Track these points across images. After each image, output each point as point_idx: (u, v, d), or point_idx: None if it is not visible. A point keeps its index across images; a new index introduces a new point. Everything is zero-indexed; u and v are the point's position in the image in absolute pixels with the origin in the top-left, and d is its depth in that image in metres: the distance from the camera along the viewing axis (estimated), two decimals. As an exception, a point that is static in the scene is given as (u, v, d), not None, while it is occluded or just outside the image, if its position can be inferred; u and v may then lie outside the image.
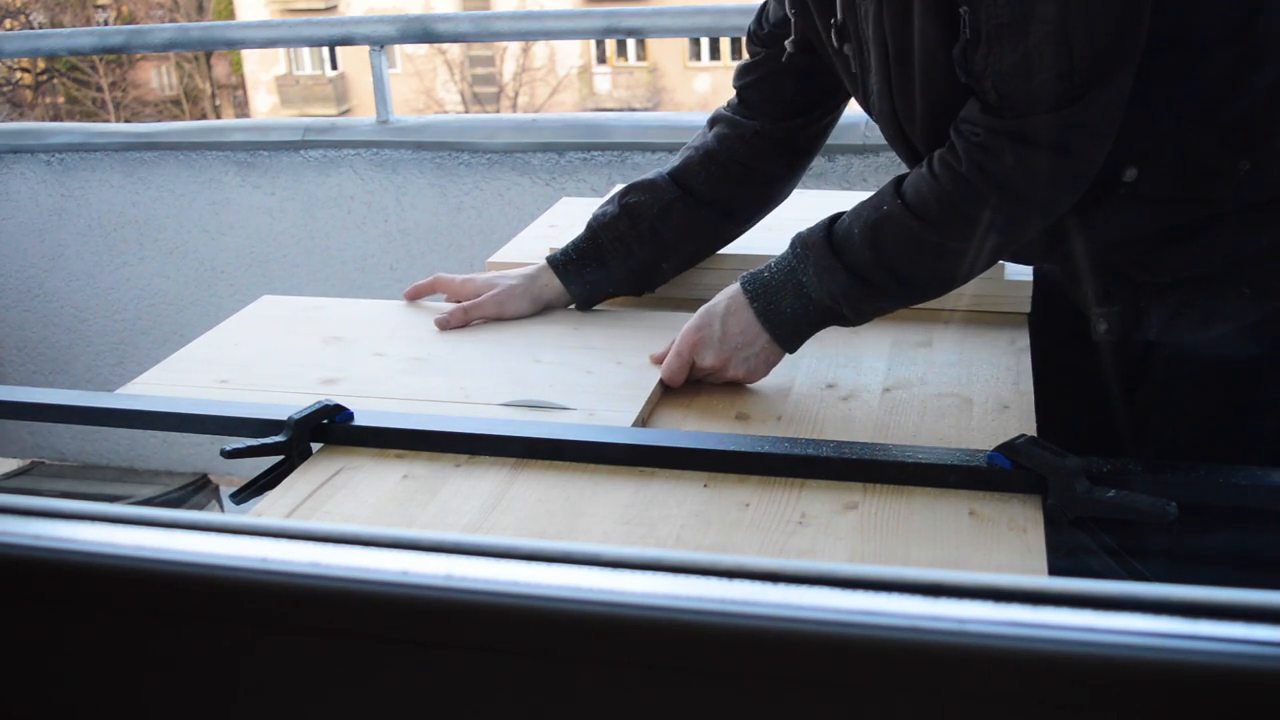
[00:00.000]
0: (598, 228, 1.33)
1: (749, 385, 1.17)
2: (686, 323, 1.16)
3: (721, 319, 1.14)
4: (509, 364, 1.23)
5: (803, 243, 1.11)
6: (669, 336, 1.19)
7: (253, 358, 1.29)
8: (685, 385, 1.17)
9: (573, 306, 1.37)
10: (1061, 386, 1.22)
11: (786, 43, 1.22)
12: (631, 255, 1.32)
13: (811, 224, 1.13)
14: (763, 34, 1.27)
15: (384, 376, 1.21)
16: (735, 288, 1.15)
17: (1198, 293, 1.08)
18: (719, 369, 1.15)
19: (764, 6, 1.27)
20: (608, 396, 1.14)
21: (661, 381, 1.17)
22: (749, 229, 1.38)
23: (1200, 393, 1.13)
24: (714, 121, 1.34)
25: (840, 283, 1.08)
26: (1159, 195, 1.05)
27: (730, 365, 1.15)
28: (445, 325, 1.32)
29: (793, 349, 1.15)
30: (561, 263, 1.34)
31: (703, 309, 1.16)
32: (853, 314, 1.11)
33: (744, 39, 1.35)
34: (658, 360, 1.18)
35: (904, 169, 1.13)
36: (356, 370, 1.23)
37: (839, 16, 1.13)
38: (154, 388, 1.22)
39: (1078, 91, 0.96)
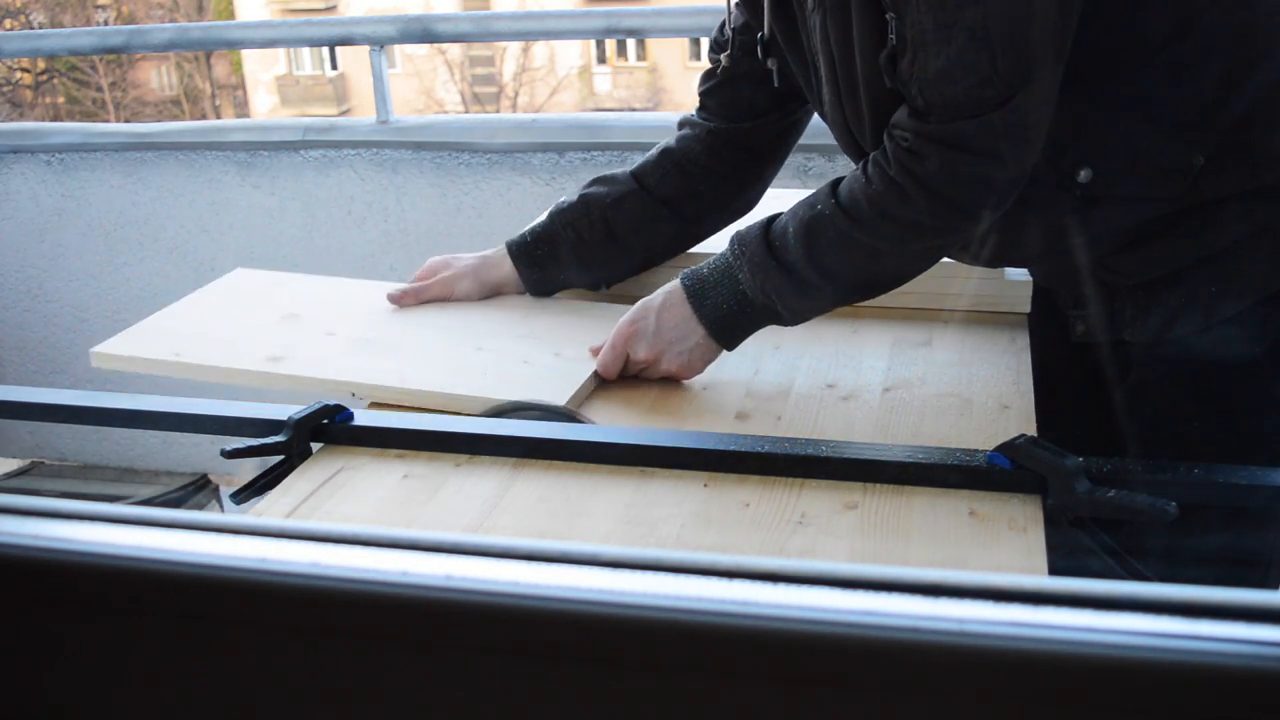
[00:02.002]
0: (555, 214, 1.34)
1: (684, 380, 1.18)
2: (623, 316, 1.17)
3: (657, 312, 1.14)
4: (451, 350, 1.23)
5: (740, 240, 1.12)
6: (606, 326, 1.20)
7: (209, 330, 1.30)
8: (688, 382, 1.18)
9: (527, 294, 1.37)
10: (1056, 387, 1.23)
11: (723, 56, 1.25)
12: (583, 244, 1.32)
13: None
14: (721, 40, 1.28)
15: (328, 357, 1.23)
16: (674, 283, 1.16)
17: (1165, 293, 1.08)
18: (652, 362, 1.16)
19: (725, 16, 1.28)
20: (536, 388, 1.14)
21: (596, 374, 1.17)
22: (710, 234, 1.37)
23: (1173, 393, 1.13)
24: (680, 125, 1.35)
25: (774, 281, 1.09)
26: (1115, 195, 1.05)
27: (664, 359, 1.15)
28: (396, 301, 1.34)
29: (730, 346, 1.16)
30: (517, 247, 1.35)
31: (640, 303, 1.17)
32: (787, 312, 1.12)
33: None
34: (596, 353, 1.19)
35: None
36: (303, 349, 1.24)
37: (765, 32, 1.15)
38: (114, 358, 1.26)
39: (1002, 96, 0.96)
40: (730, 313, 1.13)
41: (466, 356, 1.22)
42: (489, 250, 1.38)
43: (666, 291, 1.16)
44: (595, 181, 1.35)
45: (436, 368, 1.19)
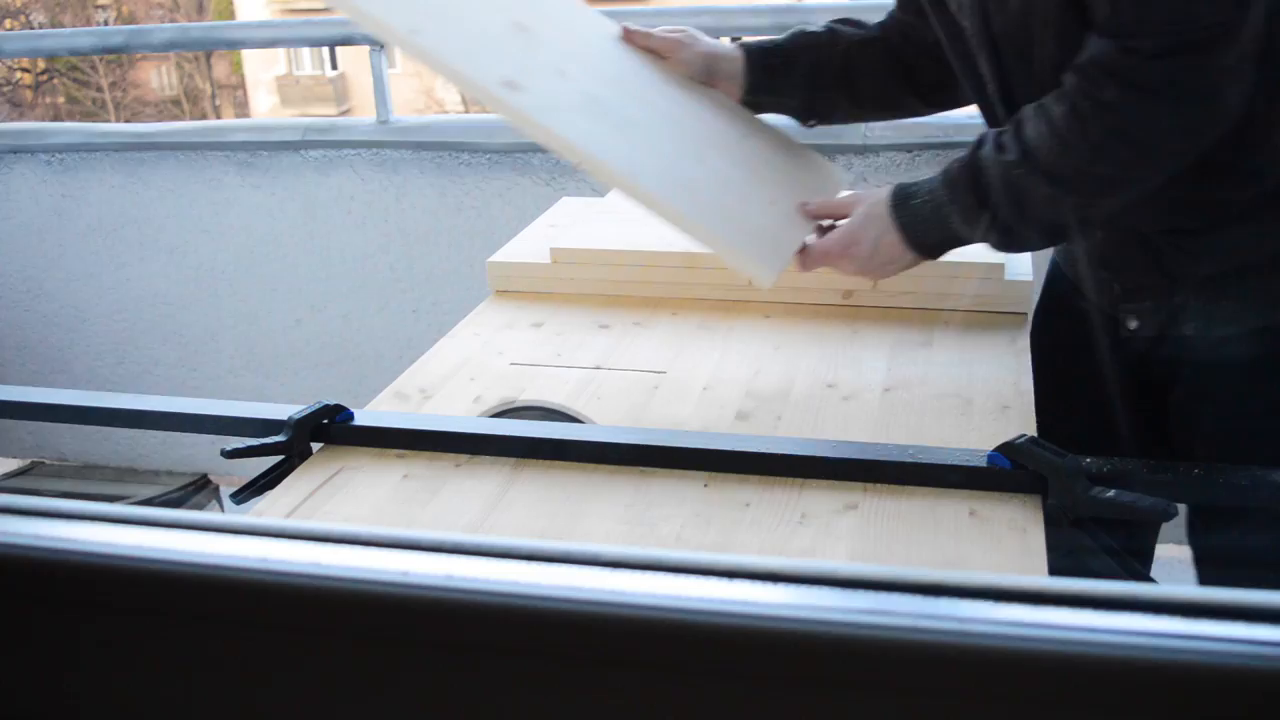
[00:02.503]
0: (797, 35, 1.30)
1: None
2: (838, 232, 1.15)
3: (873, 242, 1.13)
4: (675, 151, 1.16)
5: (949, 184, 1.09)
6: (825, 187, 1.21)
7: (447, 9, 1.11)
8: (687, 379, 1.18)
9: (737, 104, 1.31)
10: (1062, 389, 1.22)
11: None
12: (817, 72, 1.29)
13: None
14: None
15: (560, 104, 1.10)
16: (886, 210, 1.12)
17: (1234, 286, 1.07)
18: (855, 274, 1.17)
19: None
20: (755, 238, 1.13)
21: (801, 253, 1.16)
22: (930, 114, 1.35)
23: (1235, 391, 1.11)
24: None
25: (989, 234, 1.08)
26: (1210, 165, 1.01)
27: (870, 273, 1.16)
28: (625, 36, 1.28)
29: (936, 258, 1.15)
30: (755, 49, 1.31)
31: (855, 223, 1.14)
32: (1002, 249, 1.12)
33: None
34: (809, 212, 1.18)
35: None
36: (537, 82, 1.10)
37: None
38: None
39: (1217, 30, 0.92)
40: (943, 242, 1.12)
41: (690, 166, 1.15)
42: (726, 39, 1.34)
43: (881, 222, 1.13)
44: (844, 20, 1.31)
45: (664, 172, 1.12)
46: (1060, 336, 1.26)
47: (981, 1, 1.07)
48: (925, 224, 1.10)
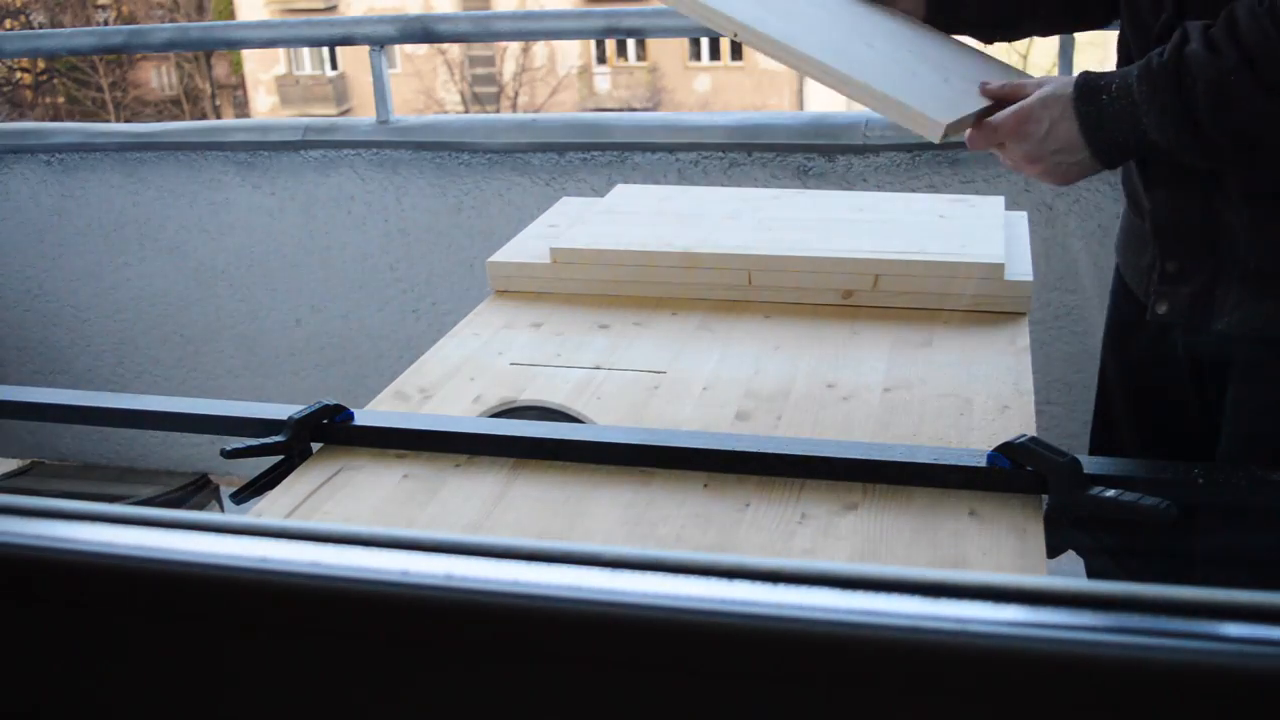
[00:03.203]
0: None
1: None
2: (1015, 106, 1.09)
3: (1051, 122, 1.07)
4: (838, 34, 1.16)
5: (1150, 80, 1.02)
6: (1002, 77, 1.15)
7: None
8: (687, 379, 1.18)
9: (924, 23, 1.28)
10: (1129, 388, 1.21)
11: None
12: None
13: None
14: None
15: None
16: (1068, 96, 1.07)
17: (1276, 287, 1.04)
18: (1026, 164, 1.10)
19: None
20: (922, 96, 1.09)
21: (978, 117, 1.11)
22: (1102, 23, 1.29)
23: (1261, 398, 1.09)
24: None
25: (1184, 139, 1.01)
26: None
27: (1041, 165, 1.09)
28: None
29: (1111, 167, 1.10)
30: None
31: (1033, 103, 1.09)
32: (1186, 159, 1.04)
33: None
34: (988, 92, 1.12)
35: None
36: None
37: None
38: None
39: None
40: (1124, 145, 1.06)
41: (854, 46, 1.14)
42: None
43: (1063, 104, 1.07)
44: None
45: (821, 40, 1.11)
46: (1128, 339, 1.24)
47: None
48: (1111, 122, 1.04)
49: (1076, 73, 1.09)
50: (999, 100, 1.11)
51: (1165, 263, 1.12)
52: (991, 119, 1.10)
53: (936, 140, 1.06)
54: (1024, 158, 1.09)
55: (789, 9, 1.17)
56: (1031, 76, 1.19)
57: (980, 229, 1.47)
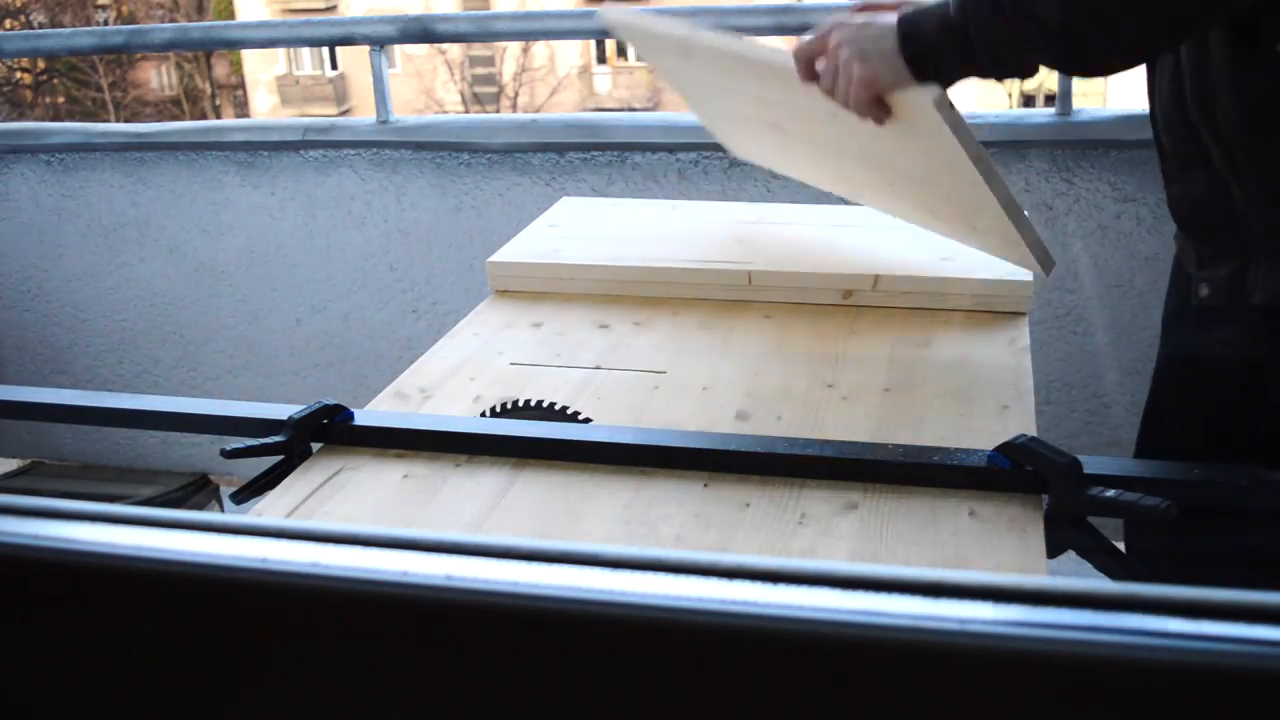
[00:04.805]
0: None
1: (860, 101, 1.08)
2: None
3: (871, 17, 1.06)
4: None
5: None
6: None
7: None
8: (686, 379, 1.18)
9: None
10: (1181, 377, 1.21)
11: None
12: None
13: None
14: None
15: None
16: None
17: None
18: (836, 49, 1.07)
19: None
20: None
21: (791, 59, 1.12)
22: None
23: None
24: None
25: (981, 15, 0.99)
26: None
27: (850, 49, 1.06)
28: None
29: (917, 74, 1.05)
30: None
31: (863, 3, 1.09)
32: (990, 60, 1.02)
33: None
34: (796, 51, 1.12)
35: None
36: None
37: None
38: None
39: None
40: (931, 37, 1.03)
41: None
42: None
43: (877, 15, 1.06)
44: None
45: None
46: (1181, 336, 1.24)
47: None
48: (924, 16, 1.04)
49: None
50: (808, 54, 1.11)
51: (1200, 248, 1.14)
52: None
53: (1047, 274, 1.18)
54: (836, 45, 1.07)
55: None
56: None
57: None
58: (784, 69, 1.14)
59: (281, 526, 0.43)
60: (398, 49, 15.33)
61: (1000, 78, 1.06)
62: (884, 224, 1.50)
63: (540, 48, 17.15)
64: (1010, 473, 0.93)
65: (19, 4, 16.41)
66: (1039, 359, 2.13)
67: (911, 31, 1.04)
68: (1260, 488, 0.94)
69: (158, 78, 17.85)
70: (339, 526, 0.43)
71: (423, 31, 2.66)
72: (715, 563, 0.39)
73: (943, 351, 1.25)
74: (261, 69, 18.43)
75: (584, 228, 1.60)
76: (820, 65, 1.11)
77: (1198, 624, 0.35)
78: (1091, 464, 0.93)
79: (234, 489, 1.03)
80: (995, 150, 2.03)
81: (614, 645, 0.39)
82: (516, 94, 17.67)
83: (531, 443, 1.03)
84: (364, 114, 3.25)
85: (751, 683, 0.39)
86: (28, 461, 3.01)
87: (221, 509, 2.80)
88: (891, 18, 1.06)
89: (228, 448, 1.01)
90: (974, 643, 0.36)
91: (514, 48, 16.87)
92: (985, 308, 1.34)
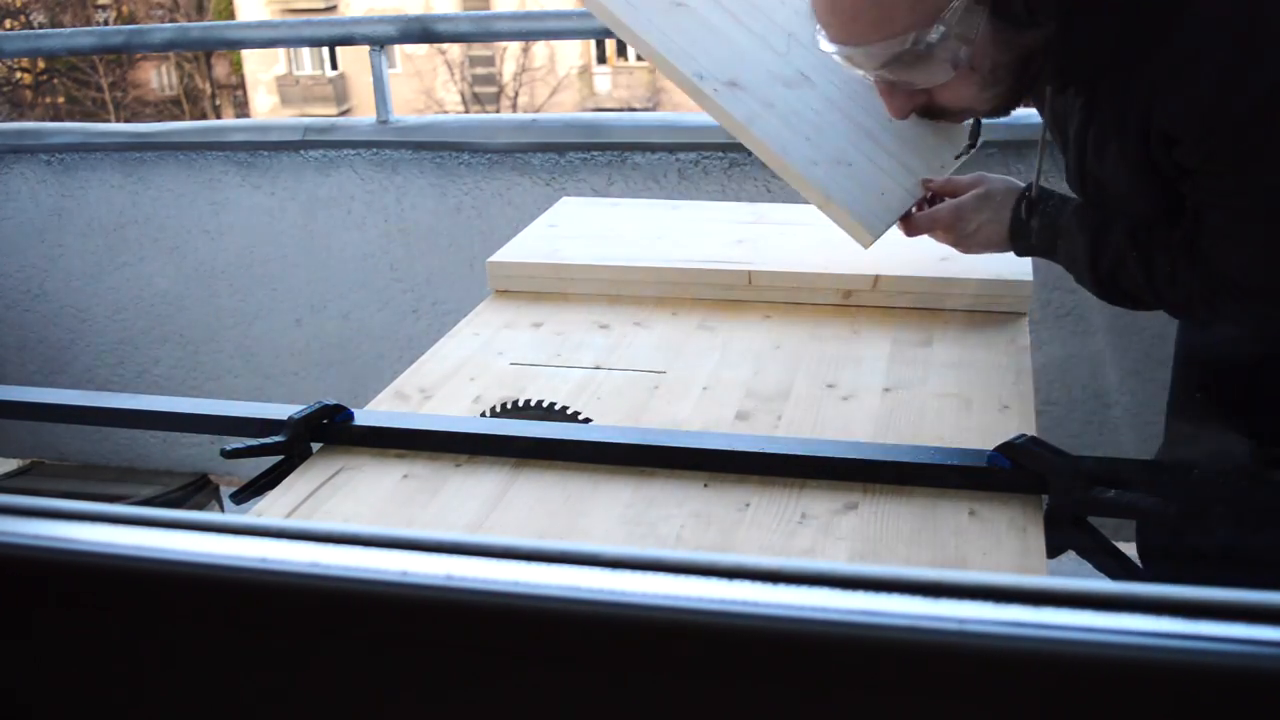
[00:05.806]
0: None
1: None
2: (949, 204, 1.26)
3: (981, 223, 1.24)
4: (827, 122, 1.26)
5: (1068, 236, 1.18)
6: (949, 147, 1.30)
7: None
8: (686, 379, 1.18)
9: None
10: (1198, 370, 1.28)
11: None
12: None
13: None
14: None
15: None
16: (1007, 208, 1.23)
17: None
18: (948, 242, 1.28)
19: None
20: (857, 193, 1.23)
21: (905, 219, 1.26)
22: None
23: None
24: None
25: (1081, 279, 1.19)
26: None
27: (960, 247, 1.27)
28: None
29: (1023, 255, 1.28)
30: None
31: (971, 200, 1.24)
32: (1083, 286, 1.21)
33: None
34: (931, 187, 1.28)
35: None
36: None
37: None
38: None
39: None
40: (1033, 250, 1.24)
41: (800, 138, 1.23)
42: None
43: (994, 207, 1.23)
44: None
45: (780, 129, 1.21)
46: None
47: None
48: (1035, 236, 1.22)
49: (1011, 178, 1.26)
50: (941, 194, 1.28)
51: None
52: (928, 214, 1.26)
53: (865, 247, 1.23)
54: (948, 241, 1.27)
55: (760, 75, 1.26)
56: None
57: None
58: None
59: (281, 526, 0.43)
60: (398, 49, 15.33)
61: None
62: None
63: (540, 48, 17.15)
64: (1010, 473, 0.93)
65: (19, 4, 16.41)
66: (1039, 359, 2.13)
67: (1023, 250, 1.25)
68: (1260, 487, 0.94)
69: (158, 78, 17.85)
70: (339, 526, 0.43)
71: (423, 31, 2.66)
72: (715, 563, 0.39)
73: (943, 351, 1.25)
74: (261, 69, 18.43)
75: (584, 228, 1.60)
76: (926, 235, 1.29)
77: (1198, 624, 0.35)
78: (1091, 464, 0.93)
79: (234, 489, 1.03)
80: (995, 150, 2.03)
81: (614, 645, 0.39)
82: (516, 94, 17.67)
83: (531, 443, 1.03)
84: (364, 114, 3.25)
85: (751, 683, 0.39)
86: (28, 461, 3.01)
87: (221, 509, 2.80)
88: (997, 229, 1.24)
89: (228, 448, 1.01)
90: (974, 643, 0.36)
91: (514, 48, 16.87)
92: (985, 308, 1.34)
